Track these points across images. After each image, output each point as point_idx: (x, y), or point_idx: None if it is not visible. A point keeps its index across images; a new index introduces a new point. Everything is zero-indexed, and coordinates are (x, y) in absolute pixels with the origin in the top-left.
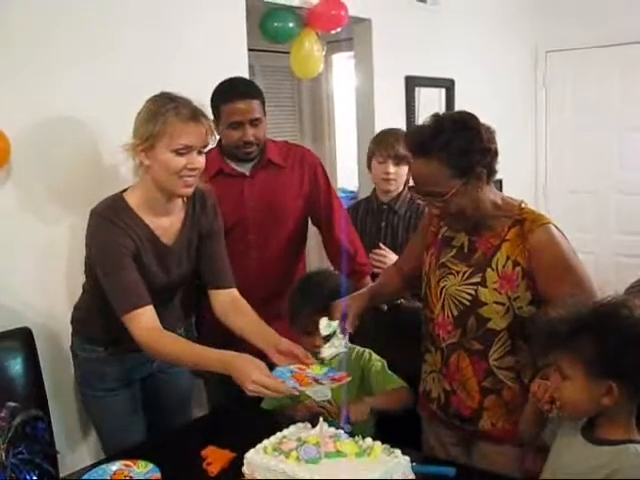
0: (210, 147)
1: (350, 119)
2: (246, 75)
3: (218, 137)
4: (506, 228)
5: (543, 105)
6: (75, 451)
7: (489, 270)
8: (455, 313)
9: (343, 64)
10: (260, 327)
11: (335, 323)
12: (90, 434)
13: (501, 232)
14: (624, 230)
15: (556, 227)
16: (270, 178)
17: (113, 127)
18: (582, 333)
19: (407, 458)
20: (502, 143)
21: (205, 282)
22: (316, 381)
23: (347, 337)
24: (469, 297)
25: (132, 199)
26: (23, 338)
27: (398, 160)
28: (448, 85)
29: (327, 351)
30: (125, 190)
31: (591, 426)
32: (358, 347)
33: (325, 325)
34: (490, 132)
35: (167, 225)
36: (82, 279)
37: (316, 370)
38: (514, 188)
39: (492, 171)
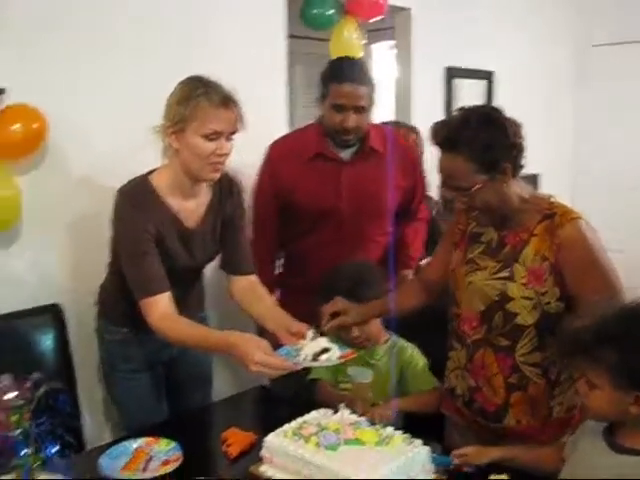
0: (311, 122)
1: (389, 109)
2: (284, 61)
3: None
4: (535, 222)
5: (585, 100)
6: (100, 426)
7: (517, 265)
8: (481, 308)
9: (384, 53)
10: (276, 312)
11: (311, 332)
12: (115, 410)
13: (530, 226)
14: None
15: (586, 222)
16: (370, 167)
17: (149, 111)
18: (606, 342)
19: (427, 448)
20: (540, 137)
21: (225, 267)
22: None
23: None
24: (497, 292)
25: (158, 181)
26: (53, 314)
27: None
28: (488, 77)
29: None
30: (152, 172)
31: (613, 431)
32: (403, 341)
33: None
34: (516, 126)
35: (192, 208)
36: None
37: None
38: (551, 183)
39: (518, 166)
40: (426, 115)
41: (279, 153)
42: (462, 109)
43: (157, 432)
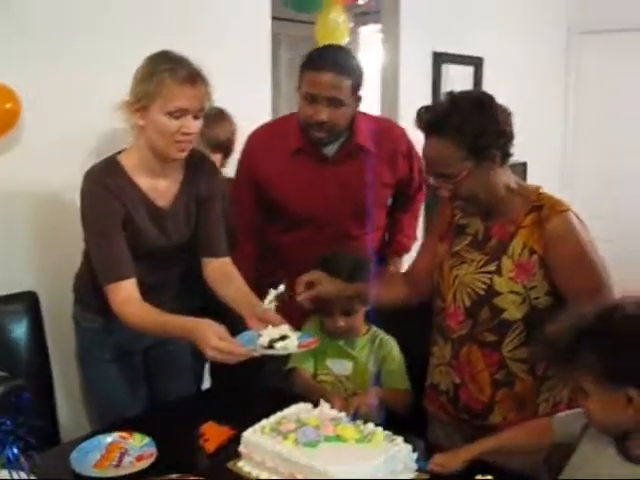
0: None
1: (375, 93)
2: (268, 43)
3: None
4: (523, 214)
5: (573, 88)
6: (78, 418)
7: (505, 258)
8: (467, 303)
9: (371, 37)
10: (247, 296)
11: (282, 287)
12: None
13: (517, 218)
14: None
15: (575, 215)
16: (356, 166)
17: (126, 91)
18: (582, 344)
19: (409, 447)
20: (528, 125)
21: (199, 249)
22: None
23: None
24: (484, 286)
25: (126, 160)
26: (28, 302)
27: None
28: (477, 63)
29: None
30: (121, 152)
31: (624, 439)
32: (383, 333)
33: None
34: (506, 113)
35: (163, 188)
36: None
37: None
38: (539, 171)
39: (506, 154)
40: (413, 100)
41: (258, 145)
42: (450, 94)
43: (132, 426)
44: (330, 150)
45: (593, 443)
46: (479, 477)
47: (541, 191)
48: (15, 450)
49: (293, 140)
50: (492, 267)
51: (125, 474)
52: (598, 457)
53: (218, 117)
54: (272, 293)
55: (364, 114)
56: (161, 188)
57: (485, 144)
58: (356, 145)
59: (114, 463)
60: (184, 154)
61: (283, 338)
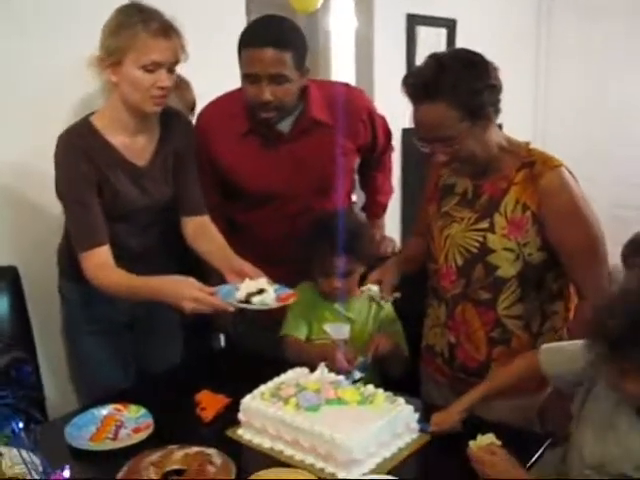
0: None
1: (349, 58)
2: (242, 7)
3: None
4: (514, 170)
5: (545, 50)
6: (64, 394)
7: (497, 215)
8: (460, 262)
9: (342, 2)
10: (224, 252)
11: (375, 288)
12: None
13: (509, 175)
14: (621, 181)
15: (568, 170)
16: (313, 140)
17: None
18: (628, 340)
19: (410, 407)
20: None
21: (178, 208)
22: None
23: None
24: (477, 244)
25: (100, 121)
26: (8, 276)
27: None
28: (450, 25)
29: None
30: (94, 112)
31: None
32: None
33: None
34: (495, 69)
35: (140, 145)
36: None
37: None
38: (512, 133)
39: (498, 109)
40: (388, 65)
41: (208, 125)
42: (434, 56)
43: (124, 398)
44: (284, 126)
45: (606, 399)
46: (480, 437)
47: (531, 147)
48: (21, 424)
49: (242, 121)
50: (485, 224)
51: (123, 446)
52: (626, 421)
53: (185, 80)
54: None
55: (318, 83)
56: (138, 146)
57: (480, 102)
58: (311, 119)
59: (110, 436)
60: (159, 108)
61: (260, 292)
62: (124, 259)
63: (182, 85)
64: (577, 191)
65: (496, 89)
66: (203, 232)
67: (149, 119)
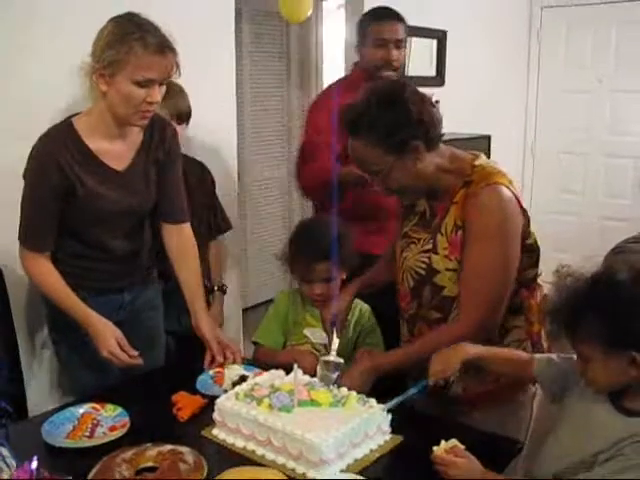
0: None
1: (339, 68)
2: (232, 20)
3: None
4: (457, 189)
5: (536, 62)
6: (45, 393)
7: (439, 235)
8: (412, 284)
9: (333, 12)
10: (193, 294)
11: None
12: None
13: (453, 195)
14: (611, 193)
15: (509, 188)
16: None
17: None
18: (586, 312)
19: (382, 406)
20: (492, 99)
21: (158, 213)
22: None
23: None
24: (424, 266)
25: (81, 124)
26: None
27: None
28: (440, 36)
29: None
30: (78, 114)
31: (620, 395)
32: (362, 303)
33: (312, 334)
34: (421, 102)
35: (119, 150)
36: None
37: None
38: (502, 145)
39: (431, 139)
40: None
41: None
42: (367, 91)
43: (103, 398)
44: None
45: (588, 397)
46: (444, 442)
47: (476, 162)
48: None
49: None
50: (429, 245)
51: (98, 444)
52: (589, 410)
53: (179, 88)
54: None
55: None
56: (116, 151)
57: (401, 138)
58: None
59: (86, 434)
60: (146, 122)
61: (243, 378)
62: (108, 261)
63: (174, 91)
64: (506, 213)
65: (421, 123)
66: (181, 251)
67: (131, 128)
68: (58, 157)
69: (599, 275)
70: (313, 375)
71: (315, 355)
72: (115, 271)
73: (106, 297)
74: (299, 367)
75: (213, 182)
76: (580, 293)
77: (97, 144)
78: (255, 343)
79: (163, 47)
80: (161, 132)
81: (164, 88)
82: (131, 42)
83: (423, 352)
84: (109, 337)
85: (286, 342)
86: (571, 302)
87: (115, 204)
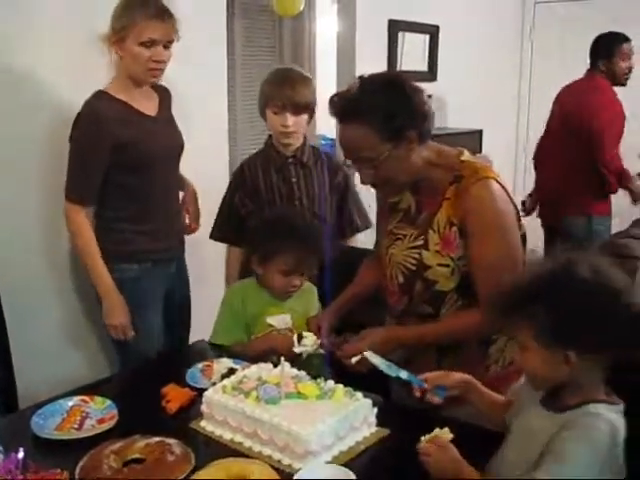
0: None
1: (331, 63)
2: (224, 14)
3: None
4: (447, 184)
5: (529, 57)
6: (35, 386)
7: (430, 232)
8: (401, 280)
9: (327, 7)
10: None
11: (310, 337)
12: (50, 369)
13: (443, 190)
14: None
15: (499, 182)
16: None
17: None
18: (535, 300)
19: (369, 401)
20: (484, 94)
21: None
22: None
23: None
24: (414, 261)
25: (110, 89)
26: None
27: (297, 110)
28: (433, 31)
29: (299, 349)
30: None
31: (554, 396)
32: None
33: (276, 321)
34: (419, 93)
35: (146, 104)
36: (43, 226)
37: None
38: (494, 140)
39: (424, 132)
40: (369, 70)
41: None
42: (360, 77)
43: (93, 390)
44: None
45: (521, 410)
46: (437, 430)
47: (463, 158)
48: None
49: None
50: (420, 241)
51: (87, 436)
52: (527, 421)
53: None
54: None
55: None
56: (144, 104)
57: (399, 125)
58: None
59: (75, 426)
60: (156, 79)
61: (232, 371)
62: (157, 219)
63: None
64: (501, 206)
65: (418, 113)
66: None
67: (147, 90)
68: (102, 114)
69: (562, 267)
70: (293, 359)
71: (288, 335)
72: (151, 211)
73: (161, 267)
74: (277, 349)
75: None
76: (537, 277)
77: (128, 99)
78: (217, 346)
79: (163, 12)
80: (168, 95)
81: (170, 52)
82: (135, 10)
83: (437, 335)
84: (125, 312)
85: (250, 336)
86: (525, 285)
87: (158, 144)
